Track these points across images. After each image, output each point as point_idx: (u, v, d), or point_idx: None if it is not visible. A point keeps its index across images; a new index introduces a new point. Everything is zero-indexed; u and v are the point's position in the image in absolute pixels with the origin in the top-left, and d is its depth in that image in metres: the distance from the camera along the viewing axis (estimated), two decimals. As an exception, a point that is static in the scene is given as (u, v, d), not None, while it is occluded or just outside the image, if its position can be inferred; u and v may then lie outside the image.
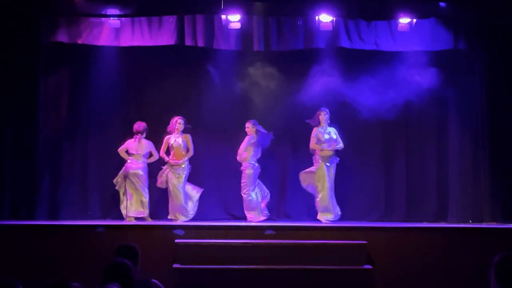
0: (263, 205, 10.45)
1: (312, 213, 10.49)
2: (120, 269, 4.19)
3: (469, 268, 8.38)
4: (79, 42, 10.35)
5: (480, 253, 8.34)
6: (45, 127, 10.51)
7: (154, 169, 10.46)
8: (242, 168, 10.40)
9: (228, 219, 10.78)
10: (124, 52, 10.70)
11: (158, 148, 10.42)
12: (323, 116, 10.30)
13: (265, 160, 10.59)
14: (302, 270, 8.38)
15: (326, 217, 10.16)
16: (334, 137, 10.31)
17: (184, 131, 10.33)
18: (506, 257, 3.95)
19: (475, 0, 10.35)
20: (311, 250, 8.58)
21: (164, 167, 10.28)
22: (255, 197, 10.35)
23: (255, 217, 10.24)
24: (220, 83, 10.98)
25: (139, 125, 10.31)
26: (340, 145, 10.31)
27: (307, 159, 10.71)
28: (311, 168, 10.31)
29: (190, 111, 10.87)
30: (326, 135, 10.28)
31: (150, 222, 9.96)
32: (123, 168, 10.26)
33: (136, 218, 10.08)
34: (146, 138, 10.37)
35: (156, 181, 10.35)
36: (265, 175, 10.64)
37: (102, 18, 10.28)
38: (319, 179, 10.21)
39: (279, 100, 10.97)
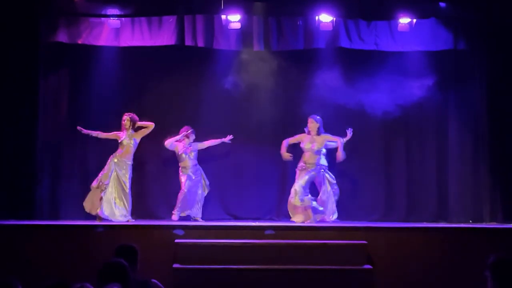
0: None
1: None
2: (116, 269, 4.18)
3: (469, 268, 8.36)
4: (79, 42, 10.35)
5: (480, 253, 8.30)
6: (45, 127, 10.51)
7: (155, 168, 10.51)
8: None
9: (228, 219, 10.77)
10: (124, 52, 10.69)
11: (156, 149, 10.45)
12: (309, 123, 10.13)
13: (265, 160, 10.58)
14: (302, 270, 8.37)
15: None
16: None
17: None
18: (502, 258, 3.95)
19: (475, 0, 10.36)
20: (311, 250, 8.57)
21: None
22: None
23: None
24: (220, 83, 10.97)
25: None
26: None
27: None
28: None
29: (190, 111, 10.89)
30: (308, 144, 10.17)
31: (150, 222, 9.96)
32: None
33: None
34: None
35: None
36: (265, 175, 10.63)
37: (102, 18, 10.28)
38: None
39: (279, 100, 10.96)
